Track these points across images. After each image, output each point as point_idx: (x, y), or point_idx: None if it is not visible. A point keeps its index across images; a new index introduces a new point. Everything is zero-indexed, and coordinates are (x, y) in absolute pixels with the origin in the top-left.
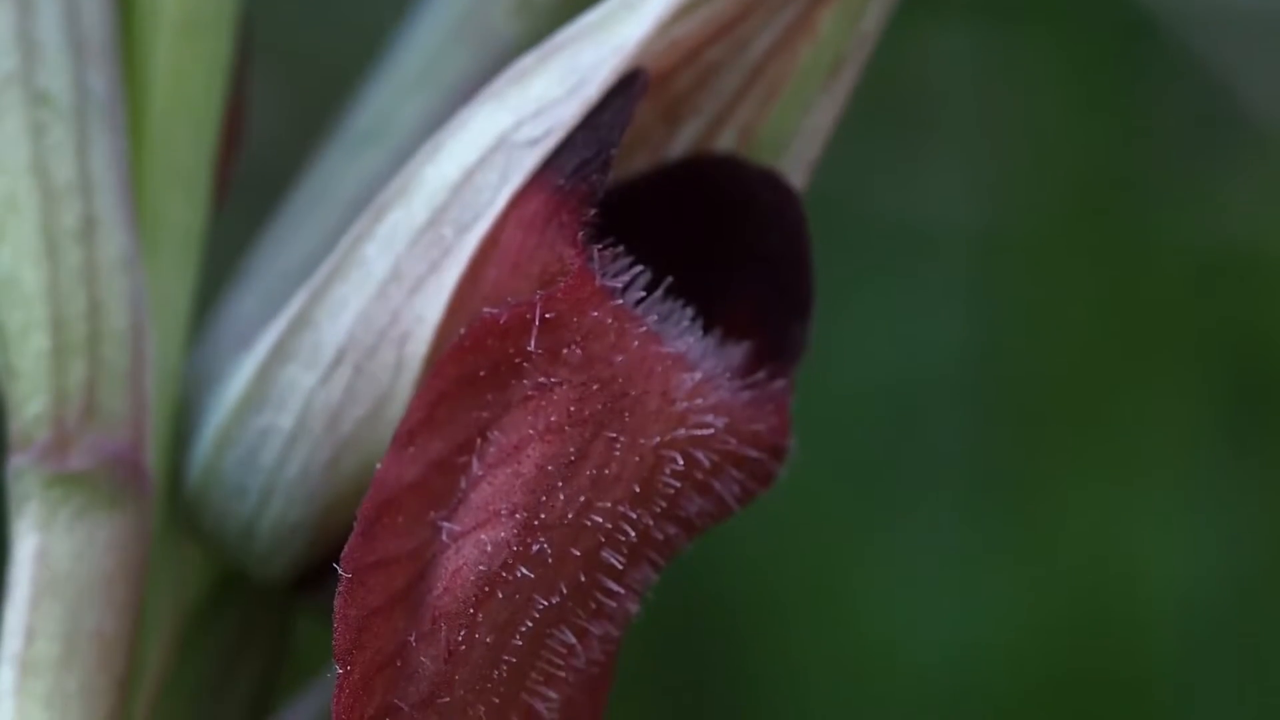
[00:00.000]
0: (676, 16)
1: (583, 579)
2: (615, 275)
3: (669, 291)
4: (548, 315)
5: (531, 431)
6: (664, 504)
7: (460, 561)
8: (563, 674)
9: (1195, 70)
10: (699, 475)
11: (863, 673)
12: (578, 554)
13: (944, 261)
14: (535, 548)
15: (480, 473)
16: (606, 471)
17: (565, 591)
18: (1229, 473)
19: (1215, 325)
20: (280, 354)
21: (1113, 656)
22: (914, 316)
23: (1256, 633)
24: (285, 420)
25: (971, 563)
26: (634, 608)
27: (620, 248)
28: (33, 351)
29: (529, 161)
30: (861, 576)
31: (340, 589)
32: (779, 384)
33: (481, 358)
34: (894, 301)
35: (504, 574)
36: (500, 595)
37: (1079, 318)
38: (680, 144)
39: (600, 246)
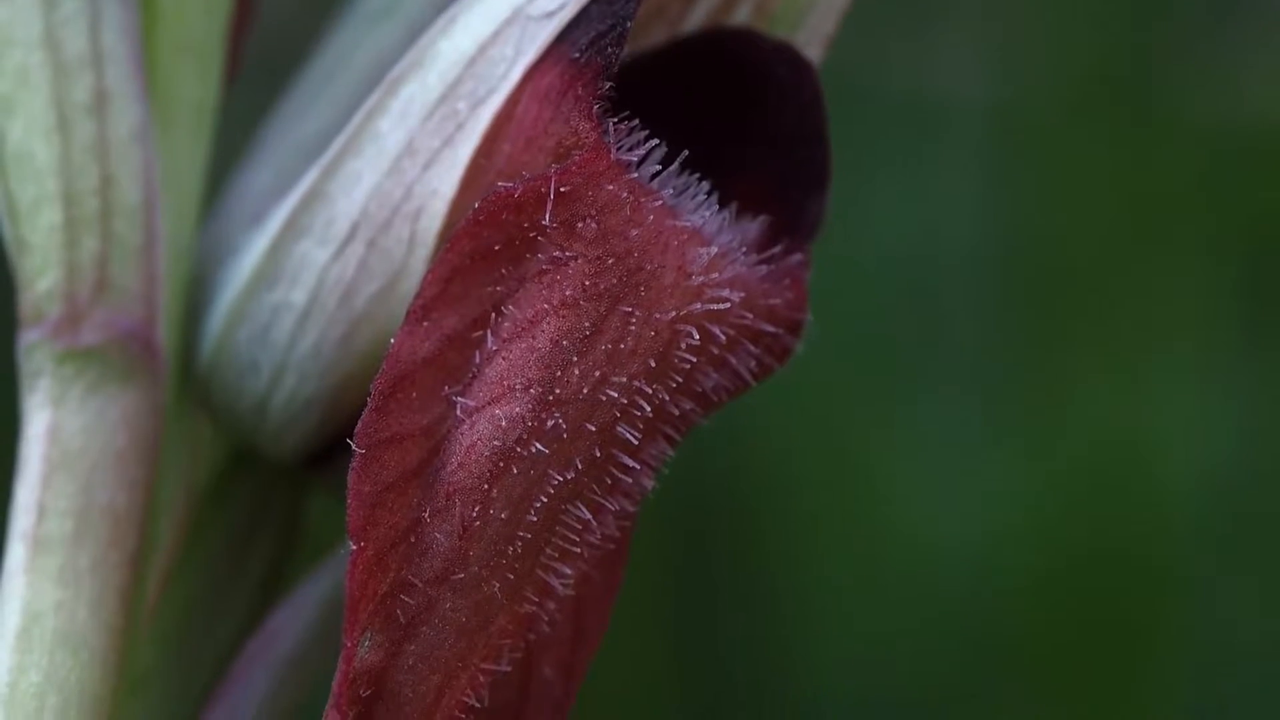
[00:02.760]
0: None
1: (598, 454)
2: (630, 149)
3: (684, 165)
4: (563, 189)
5: (546, 306)
6: (680, 379)
7: (475, 437)
8: (578, 550)
9: None
10: (715, 350)
11: (878, 553)
12: (593, 429)
13: (959, 138)
14: (550, 423)
15: (495, 347)
16: (622, 346)
17: (580, 467)
18: (1243, 354)
19: (1230, 205)
20: (293, 229)
21: (1129, 539)
22: (929, 193)
23: (1271, 513)
24: (298, 296)
25: (987, 444)
26: (649, 483)
27: (635, 121)
28: (44, 226)
29: (544, 34)
30: (876, 454)
31: (353, 465)
32: (795, 259)
33: (496, 232)
34: (909, 178)
35: (518, 449)
36: (515, 471)
37: (1093, 196)
38: (696, 17)
39: (615, 120)
